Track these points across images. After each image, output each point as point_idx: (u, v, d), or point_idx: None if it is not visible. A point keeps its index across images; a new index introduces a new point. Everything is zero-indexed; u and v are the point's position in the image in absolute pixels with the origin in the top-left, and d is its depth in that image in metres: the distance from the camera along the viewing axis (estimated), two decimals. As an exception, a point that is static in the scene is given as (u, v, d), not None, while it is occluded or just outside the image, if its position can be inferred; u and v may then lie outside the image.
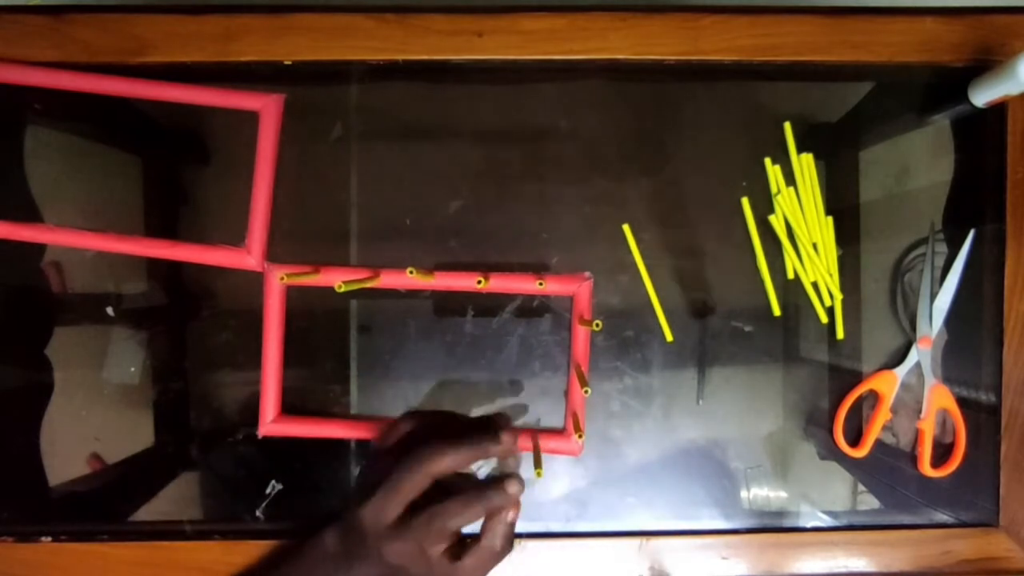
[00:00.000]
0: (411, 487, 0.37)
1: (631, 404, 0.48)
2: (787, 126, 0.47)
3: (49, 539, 0.47)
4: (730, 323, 0.48)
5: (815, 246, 0.47)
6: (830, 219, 0.47)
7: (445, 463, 0.37)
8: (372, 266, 0.47)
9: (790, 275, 0.47)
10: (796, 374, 0.48)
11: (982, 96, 0.45)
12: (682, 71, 0.47)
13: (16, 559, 0.46)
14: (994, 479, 0.48)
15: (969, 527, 0.48)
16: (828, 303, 0.47)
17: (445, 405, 0.47)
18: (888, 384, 0.47)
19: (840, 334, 0.47)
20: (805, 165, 0.47)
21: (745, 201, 0.47)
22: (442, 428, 0.41)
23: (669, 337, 0.47)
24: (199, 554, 0.46)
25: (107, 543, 0.46)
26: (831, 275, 0.47)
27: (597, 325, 0.43)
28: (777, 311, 0.47)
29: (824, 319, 0.47)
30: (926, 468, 0.47)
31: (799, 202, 0.47)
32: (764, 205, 0.47)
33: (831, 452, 0.48)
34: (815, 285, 0.47)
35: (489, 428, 0.40)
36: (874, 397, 0.48)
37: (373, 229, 0.47)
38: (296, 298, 0.47)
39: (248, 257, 0.46)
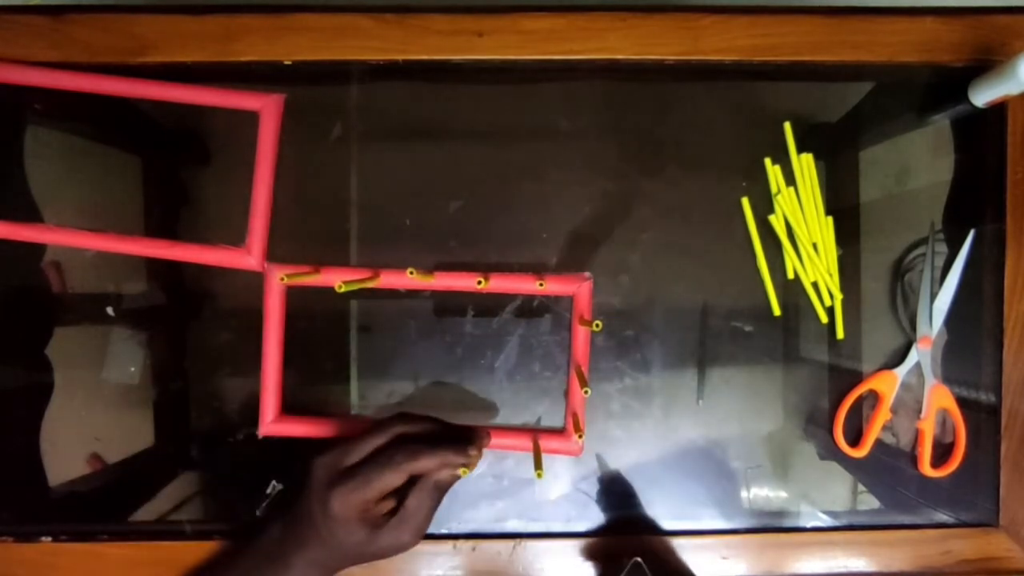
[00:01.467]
0: (385, 482, 0.38)
1: (631, 404, 0.48)
2: (787, 126, 0.47)
3: (49, 539, 0.46)
4: (730, 323, 0.48)
5: (815, 246, 0.47)
6: (830, 219, 0.47)
7: (420, 465, 0.38)
8: (372, 266, 0.47)
9: (790, 275, 0.47)
10: (796, 374, 0.48)
11: (982, 96, 0.45)
12: (682, 71, 0.47)
13: (16, 559, 0.46)
14: (994, 479, 0.48)
15: (969, 527, 0.48)
16: (828, 303, 0.47)
17: (444, 405, 0.47)
18: (888, 384, 0.47)
19: (840, 334, 0.47)
20: (805, 165, 0.47)
21: (745, 201, 0.47)
22: (424, 433, 0.42)
23: (777, 311, 0.47)
24: (199, 554, 0.46)
25: (107, 543, 0.46)
26: (831, 275, 0.47)
27: (597, 325, 0.43)
28: (777, 311, 0.47)
29: (824, 319, 0.47)
30: (926, 468, 0.47)
31: (799, 202, 0.47)
32: (764, 205, 0.47)
33: (831, 452, 0.48)
34: (815, 285, 0.47)
35: (468, 439, 0.41)
36: (874, 397, 0.48)
37: (373, 229, 0.47)
38: (296, 298, 0.47)
39: (248, 257, 0.46)
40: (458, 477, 0.40)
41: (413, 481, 0.39)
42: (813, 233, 0.47)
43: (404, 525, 0.39)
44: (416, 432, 0.41)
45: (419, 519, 0.39)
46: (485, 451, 0.43)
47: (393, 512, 0.39)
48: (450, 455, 0.39)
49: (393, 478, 0.38)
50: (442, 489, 0.40)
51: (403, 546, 0.39)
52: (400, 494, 0.39)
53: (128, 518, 0.47)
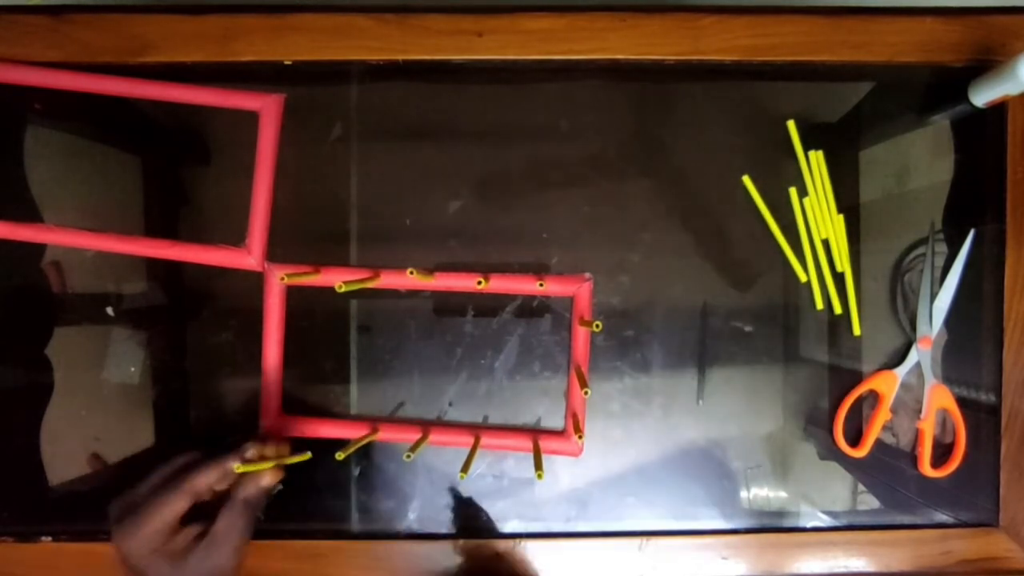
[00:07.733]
0: (166, 509, 0.38)
1: (631, 404, 0.48)
2: (791, 124, 0.47)
3: (49, 539, 0.47)
4: (730, 323, 0.48)
5: (826, 243, 0.47)
6: (840, 217, 0.47)
7: (197, 480, 0.39)
8: (372, 266, 0.47)
9: (803, 278, 0.47)
10: (796, 374, 0.48)
11: (982, 96, 0.45)
12: (682, 71, 0.47)
13: (16, 559, 0.46)
14: (994, 479, 0.48)
15: (969, 527, 0.48)
16: (836, 301, 0.47)
17: (444, 405, 0.47)
18: (888, 384, 0.47)
19: (857, 330, 0.47)
20: (815, 162, 0.47)
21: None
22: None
23: (820, 305, 0.47)
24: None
25: (107, 543, 0.46)
26: (842, 271, 0.47)
27: (597, 326, 0.43)
28: (820, 304, 0.47)
29: (820, 303, 0.47)
30: (926, 468, 0.47)
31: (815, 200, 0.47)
32: (765, 202, 0.47)
33: (831, 452, 0.48)
34: (823, 283, 0.47)
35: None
36: (874, 397, 0.48)
37: (373, 229, 0.47)
38: (296, 298, 0.47)
39: (248, 257, 0.46)
40: (263, 489, 0.40)
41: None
42: (826, 230, 0.47)
43: (215, 548, 0.38)
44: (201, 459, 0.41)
45: (231, 540, 0.39)
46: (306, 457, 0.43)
47: (203, 537, 0.39)
48: (227, 461, 0.39)
49: (173, 503, 0.38)
50: (251, 505, 0.40)
51: (219, 570, 0.38)
52: (211, 518, 0.39)
53: (128, 518, 0.47)
